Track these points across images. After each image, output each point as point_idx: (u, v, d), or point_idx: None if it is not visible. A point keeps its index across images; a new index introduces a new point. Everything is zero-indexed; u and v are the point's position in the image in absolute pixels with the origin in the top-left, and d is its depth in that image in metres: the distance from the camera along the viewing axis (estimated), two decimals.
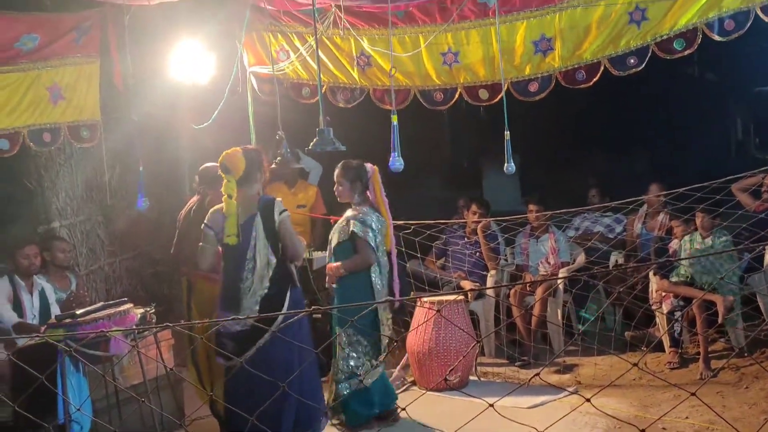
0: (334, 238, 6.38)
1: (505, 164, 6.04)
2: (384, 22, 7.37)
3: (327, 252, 6.52)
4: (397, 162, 5.41)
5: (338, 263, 6.26)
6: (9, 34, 6.84)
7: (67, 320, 5.66)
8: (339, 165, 6.37)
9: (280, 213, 5.61)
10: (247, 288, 5.56)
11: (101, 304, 6.13)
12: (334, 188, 6.39)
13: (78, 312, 5.75)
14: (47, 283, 6.96)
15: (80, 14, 7.22)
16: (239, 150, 5.75)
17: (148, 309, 6.41)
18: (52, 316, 6.42)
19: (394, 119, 5.27)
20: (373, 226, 6.26)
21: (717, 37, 6.56)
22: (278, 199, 5.74)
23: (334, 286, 6.34)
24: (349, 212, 6.37)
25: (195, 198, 6.63)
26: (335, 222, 6.57)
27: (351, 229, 6.23)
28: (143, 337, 6.18)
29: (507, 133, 5.87)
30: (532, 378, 2.93)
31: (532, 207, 8.43)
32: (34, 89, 7.08)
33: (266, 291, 5.57)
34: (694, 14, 6.55)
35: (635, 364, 3.01)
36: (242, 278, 5.57)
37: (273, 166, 7.88)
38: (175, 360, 6.83)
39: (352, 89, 7.82)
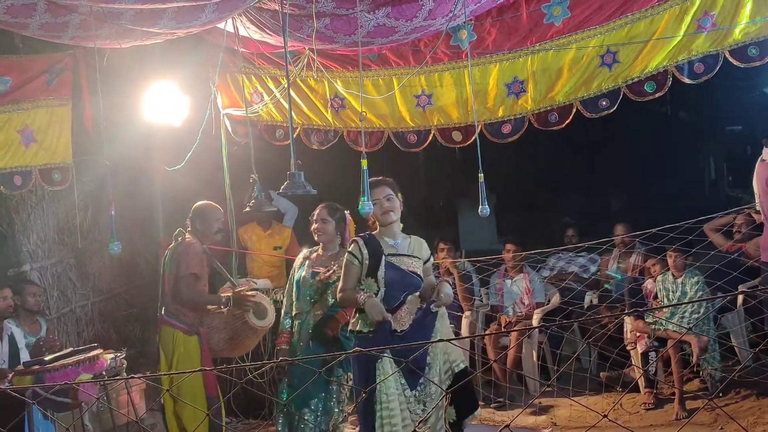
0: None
1: (480, 207, 6.00)
2: (358, 64, 7.42)
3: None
4: (366, 206, 5.37)
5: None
6: None
7: (35, 367, 5.59)
8: (324, 205, 6.18)
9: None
10: None
11: (70, 349, 6.07)
12: (316, 226, 6.14)
13: (47, 358, 5.68)
14: (17, 327, 6.85)
15: (52, 56, 7.19)
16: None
17: (119, 354, 6.32)
18: (21, 362, 6.32)
19: (364, 163, 5.24)
20: None
21: (687, 80, 6.64)
22: (351, 241, 5.48)
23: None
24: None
25: (173, 243, 6.54)
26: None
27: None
28: (114, 386, 6.10)
29: (481, 176, 5.85)
30: (503, 428, 2.89)
31: (509, 246, 8.41)
32: (5, 132, 7.03)
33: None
34: (665, 57, 6.64)
35: (605, 416, 2.99)
36: None
37: (246, 209, 7.85)
38: (147, 405, 6.73)
39: (326, 131, 7.83)
